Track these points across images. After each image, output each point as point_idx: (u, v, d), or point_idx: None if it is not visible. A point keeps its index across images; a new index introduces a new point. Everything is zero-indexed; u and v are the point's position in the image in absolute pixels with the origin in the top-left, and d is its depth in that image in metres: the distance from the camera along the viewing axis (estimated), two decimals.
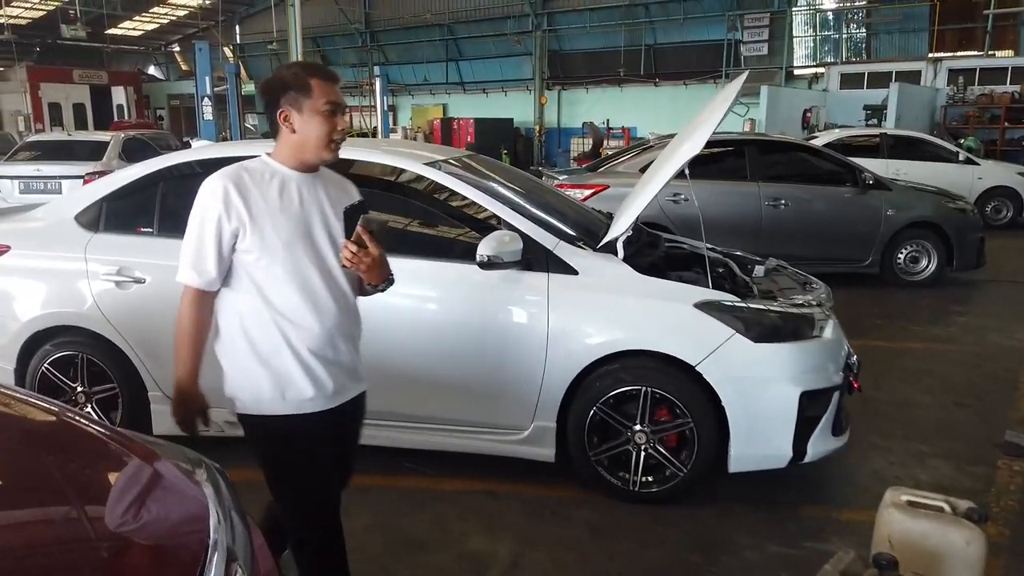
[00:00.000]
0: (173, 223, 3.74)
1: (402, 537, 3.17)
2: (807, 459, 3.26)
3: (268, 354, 2.06)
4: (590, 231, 3.76)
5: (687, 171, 3.39)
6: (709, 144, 3.26)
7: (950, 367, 5.37)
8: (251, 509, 1.94)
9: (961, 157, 11.91)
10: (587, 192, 7.46)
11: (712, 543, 3.11)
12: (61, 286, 3.75)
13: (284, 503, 2.18)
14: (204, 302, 2.08)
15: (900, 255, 7.80)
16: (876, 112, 16.34)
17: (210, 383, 2.17)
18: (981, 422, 4.36)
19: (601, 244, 3.45)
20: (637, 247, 3.64)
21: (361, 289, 2.27)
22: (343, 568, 2.27)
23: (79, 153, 10.74)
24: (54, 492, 1.48)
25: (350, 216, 2.13)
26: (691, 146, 3.29)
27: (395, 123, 27.95)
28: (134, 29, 35.10)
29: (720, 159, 7.79)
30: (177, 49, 38.04)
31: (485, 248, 3.18)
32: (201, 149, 4.09)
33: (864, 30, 22.85)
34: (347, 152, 3.75)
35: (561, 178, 8.11)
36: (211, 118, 14.94)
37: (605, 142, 21.21)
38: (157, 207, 3.75)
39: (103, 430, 1.82)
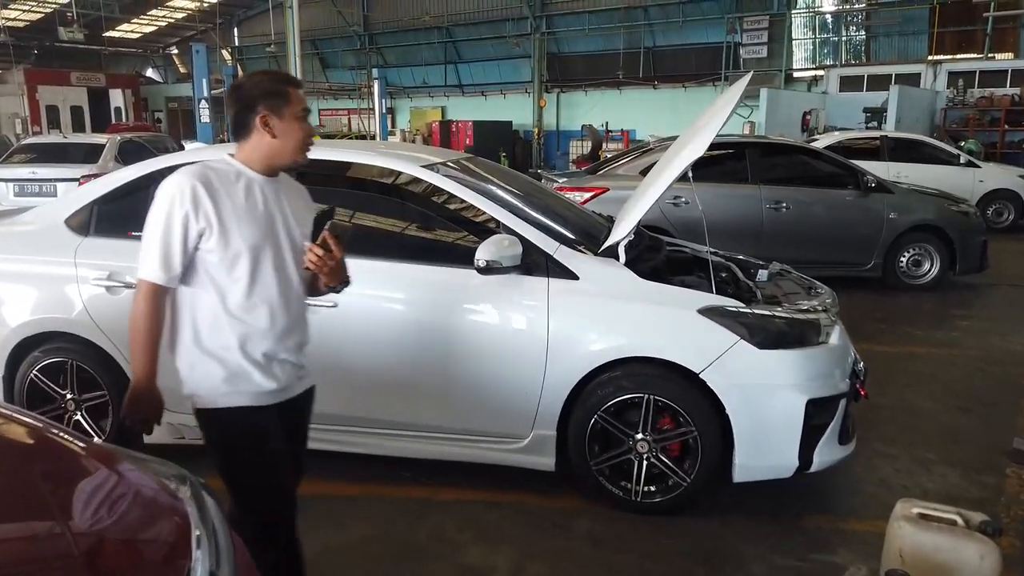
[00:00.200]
0: None
1: (400, 548, 3.09)
2: (813, 468, 3.19)
3: (223, 350, 2.10)
4: (591, 235, 3.68)
5: (690, 174, 3.32)
6: (710, 146, 3.19)
7: (954, 372, 5.30)
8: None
9: (962, 160, 11.86)
10: (587, 195, 7.39)
11: (716, 555, 3.04)
12: (50, 291, 3.67)
13: (239, 499, 2.18)
14: (162, 299, 2.10)
15: (902, 259, 7.73)
16: (876, 115, 16.31)
17: (172, 384, 2.17)
18: (987, 428, 4.29)
19: (602, 248, 3.38)
20: (639, 251, 3.57)
21: (315, 289, 2.33)
22: (299, 565, 2.34)
23: (75, 156, 10.66)
24: (19, 509, 1.40)
25: (319, 222, 2.19)
26: (694, 149, 3.22)
27: (393, 126, 27.88)
28: (132, 32, 35.03)
29: (721, 162, 7.72)
30: (175, 52, 37.97)
31: (484, 252, 3.11)
32: (194, 151, 4.02)
33: (863, 32, 22.81)
34: (343, 154, 3.70)
35: (560, 181, 8.04)
36: (208, 120, 14.87)
37: (604, 145, 21.15)
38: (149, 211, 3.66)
39: (83, 444, 1.74)
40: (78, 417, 3.74)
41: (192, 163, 2.16)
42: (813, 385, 3.15)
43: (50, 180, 10.06)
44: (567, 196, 6.78)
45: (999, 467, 3.79)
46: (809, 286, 3.91)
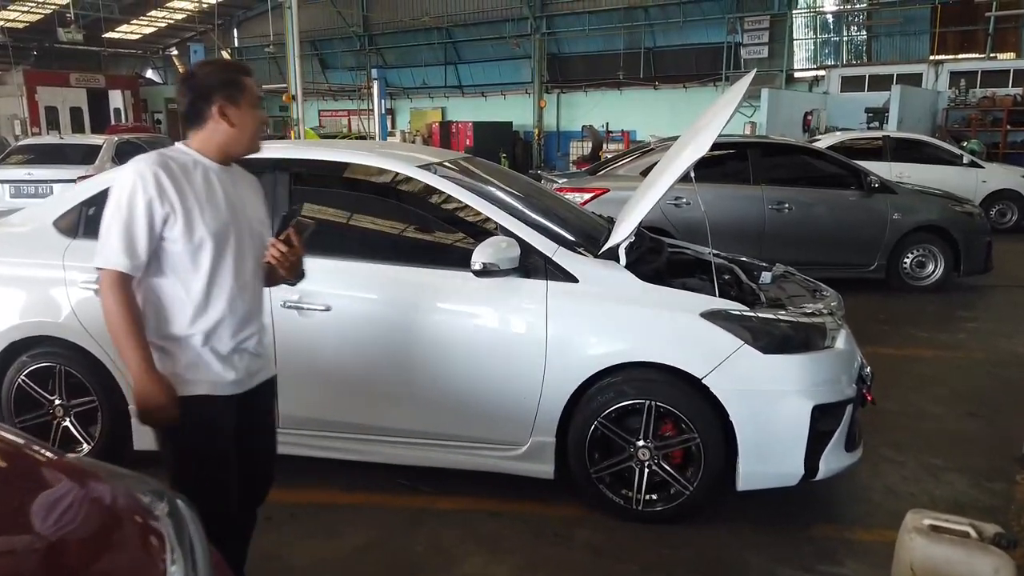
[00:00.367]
0: None
1: (396, 559, 3.01)
2: (820, 476, 3.11)
3: (183, 339, 2.10)
4: (591, 237, 3.60)
5: (692, 174, 3.24)
6: (711, 147, 3.11)
7: (961, 375, 5.22)
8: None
9: (965, 160, 11.77)
10: (587, 196, 7.31)
11: (720, 566, 2.96)
12: (38, 294, 3.59)
13: (180, 490, 2.07)
14: (128, 287, 2.06)
15: (906, 260, 7.64)
16: (877, 115, 16.23)
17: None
18: (995, 433, 4.20)
19: (602, 250, 3.30)
20: (640, 253, 3.48)
21: (270, 280, 2.34)
22: (240, 566, 2.36)
23: (71, 157, 10.59)
24: None
25: (287, 219, 2.23)
26: (696, 149, 3.14)
27: (393, 127, 27.81)
28: (132, 33, 34.98)
29: (722, 162, 7.64)
30: (175, 53, 37.89)
31: (481, 255, 3.03)
32: None
33: (865, 32, 22.73)
34: (337, 154, 3.62)
35: (560, 181, 7.97)
36: None
37: (604, 145, 21.08)
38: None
39: (54, 458, 1.65)
40: (67, 424, 3.66)
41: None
42: (819, 391, 3.06)
43: (46, 181, 9.99)
44: (567, 197, 6.71)
45: (1009, 474, 3.71)
46: (814, 288, 3.83)
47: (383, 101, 19.11)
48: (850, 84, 19.75)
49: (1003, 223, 11.86)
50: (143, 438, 3.59)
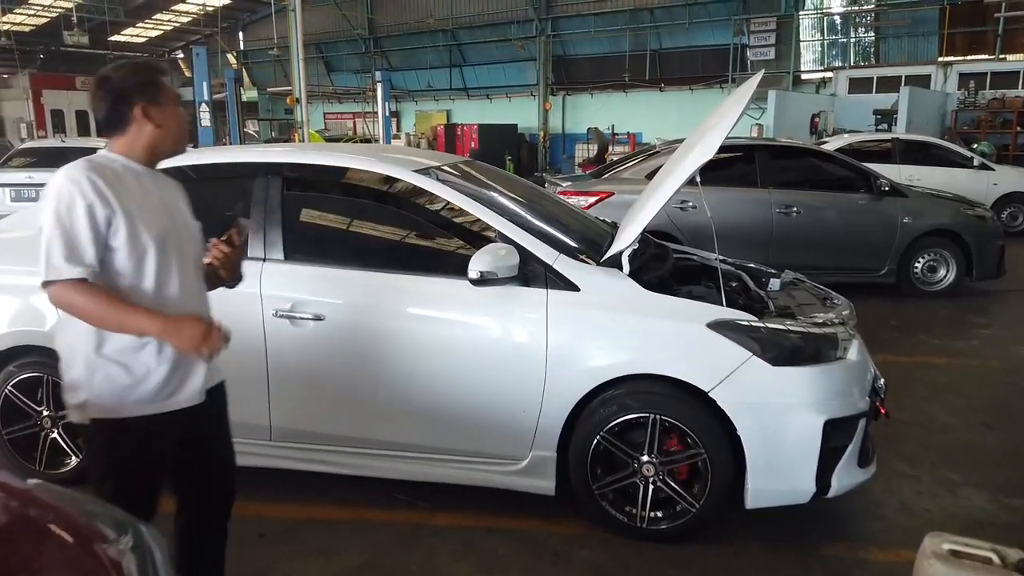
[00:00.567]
0: None
1: None
2: (832, 494, 2.98)
3: (129, 353, 2.02)
4: (593, 243, 3.49)
5: (698, 178, 3.12)
6: (718, 149, 2.99)
7: (976, 384, 5.07)
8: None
9: (975, 162, 11.62)
10: (591, 199, 7.20)
11: None
12: (26, 303, 3.49)
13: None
14: (87, 285, 1.94)
15: (917, 264, 7.50)
16: (886, 116, 16.07)
17: None
18: (1014, 446, 4.07)
19: (605, 258, 3.18)
20: (644, 260, 3.37)
21: (209, 284, 2.30)
22: None
23: (72, 160, 10.50)
24: None
25: (230, 219, 2.21)
26: (702, 152, 3.03)
27: (398, 129, 27.75)
28: (138, 36, 35.03)
29: (729, 165, 7.51)
30: (181, 56, 37.93)
31: (478, 263, 2.91)
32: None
33: (873, 34, 22.56)
34: (332, 158, 3.51)
35: (564, 185, 7.85)
36: (208, 124, 14.75)
37: (610, 147, 20.97)
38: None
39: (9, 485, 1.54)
40: (55, 435, 3.56)
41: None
42: (831, 404, 2.94)
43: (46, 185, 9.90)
44: (570, 201, 6.60)
45: None
46: (824, 296, 3.70)
47: (387, 103, 19.01)
48: (858, 86, 19.59)
49: (1014, 226, 11.70)
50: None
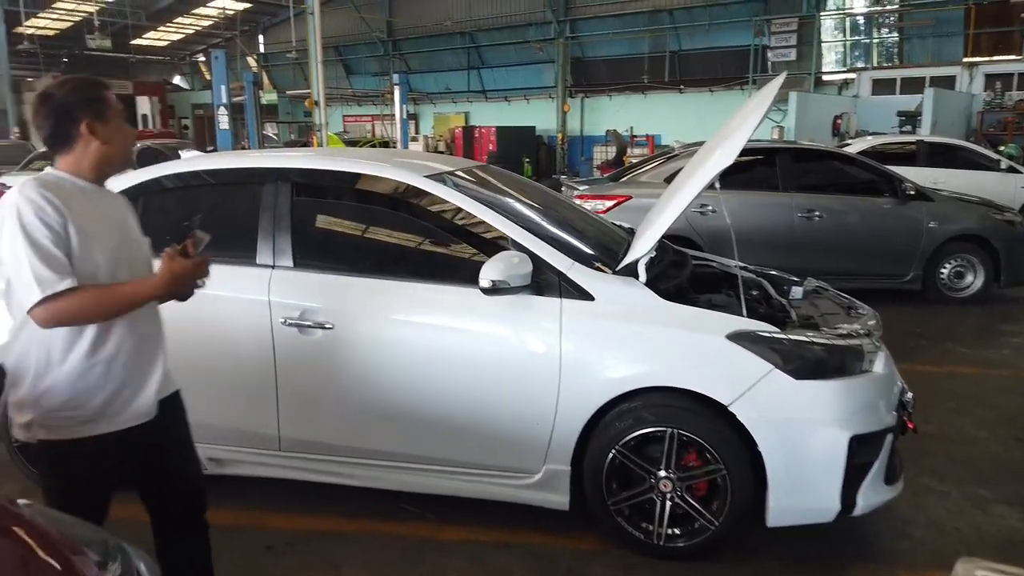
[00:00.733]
0: (153, 242, 3.43)
1: None
2: (857, 512, 2.86)
3: (81, 373, 2.00)
4: (609, 250, 3.39)
5: (717, 183, 3.02)
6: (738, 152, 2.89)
7: (1006, 395, 4.91)
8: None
9: (1003, 165, 11.36)
10: (608, 203, 7.11)
11: None
12: None
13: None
14: (83, 290, 1.93)
15: (944, 270, 7.32)
16: (910, 118, 15.78)
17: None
18: None
19: (621, 266, 3.08)
20: (661, 268, 3.26)
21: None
22: None
23: None
24: None
25: (186, 230, 2.16)
26: (724, 156, 2.92)
27: (417, 132, 27.75)
28: (159, 40, 35.35)
29: (749, 168, 7.38)
30: (202, 59, 38.25)
31: (490, 271, 2.83)
32: (186, 161, 3.79)
33: (896, 34, 22.22)
34: (342, 163, 3.44)
35: (581, 188, 7.75)
36: (227, 127, 14.79)
37: (628, 150, 20.82)
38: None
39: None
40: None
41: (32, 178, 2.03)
42: (856, 419, 2.82)
43: None
44: (587, 205, 6.51)
45: None
46: (848, 305, 3.58)
47: (404, 106, 19.00)
48: (881, 87, 19.27)
49: None
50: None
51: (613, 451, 2.93)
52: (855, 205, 7.31)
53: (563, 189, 8.15)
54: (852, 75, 21.30)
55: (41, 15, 28.45)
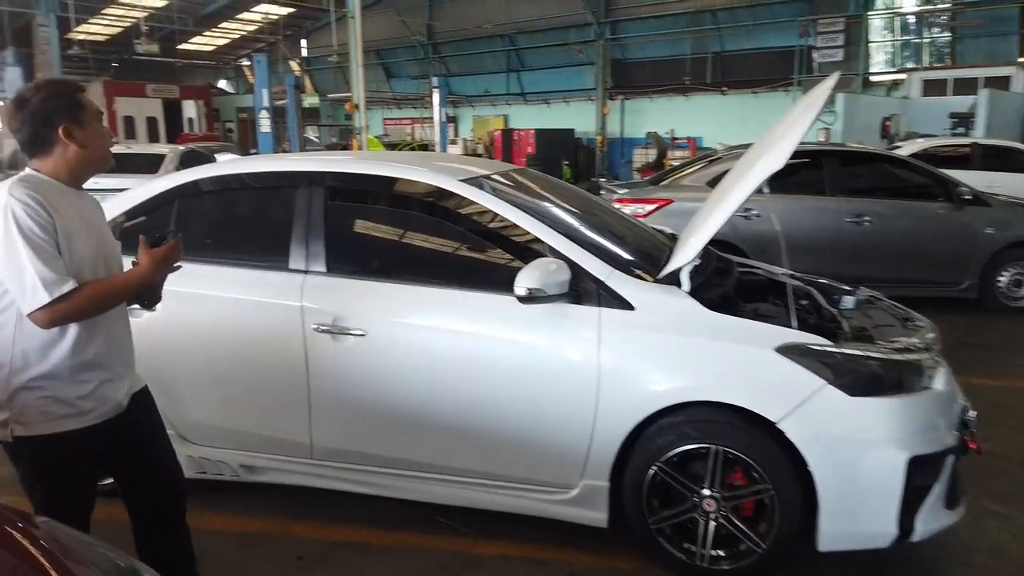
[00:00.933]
0: (187, 245, 3.40)
1: None
2: (916, 537, 2.69)
3: (58, 370, 2.04)
4: (650, 257, 3.27)
5: (766, 187, 2.88)
6: None
7: None
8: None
9: None
10: (649, 207, 6.95)
11: None
12: None
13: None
14: (83, 288, 1.99)
15: (1002, 278, 7.00)
16: (963, 120, 15.27)
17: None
18: None
19: (663, 274, 2.95)
20: (706, 276, 3.13)
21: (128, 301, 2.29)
22: None
23: (138, 166, 10.73)
24: None
25: (159, 239, 2.19)
26: (772, 159, 2.78)
27: (456, 135, 27.80)
28: (205, 45, 36.02)
29: (795, 171, 7.15)
30: (247, 63, 38.85)
31: (526, 279, 2.73)
32: (221, 164, 3.76)
33: (948, 34, 21.57)
34: (376, 167, 3.35)
35: (621, 192, 7.61)
36: (268, 130, 14.95)
37: (669, 153, 20.56)
38: (172, 227, 3.42)
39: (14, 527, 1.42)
40: None
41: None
42: (915, 440, 2.65)
43: (111, 190, 10.09)
44: (627, 209, 6.37)
45: None
46: (904, 317, 3.40)
47: (443, 109, 19.01)
48: (932, 88, 18.70)
49: None
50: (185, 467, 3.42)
51: (654, 467, 2.80)
52: (907, 210, 7.04)
53: (602, 192, 8.01)
54: (902, 76, 20.76)
55: (91, 21, 29.15)
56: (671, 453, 2.78)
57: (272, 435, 3.27)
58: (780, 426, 2.65)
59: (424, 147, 22.56)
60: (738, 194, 2.87)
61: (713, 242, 3.29)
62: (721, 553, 2.81)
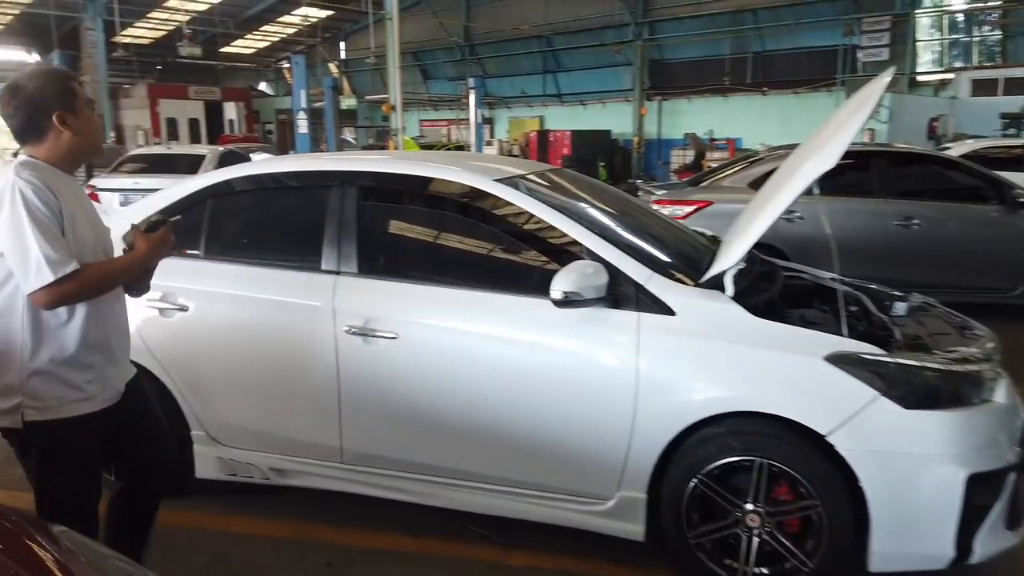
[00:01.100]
0: (221, 245, 3.39)
1: None
2: (974, 560, 2.53)
3: (69, 355, 2.09)
4: (691, 260, 3.15)
5: (816, 188, 2.75)
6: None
7: None
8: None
9: None
10: (688, 209, 6.80)
11: None
12: None
13: (55, 510, 2.12)
14: (85, 268, 2.03)
15: None
16: (1015, 121, 14.79)
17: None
18: None
19: (705, 278, 2.83)
20: (750, 280, 3.00)
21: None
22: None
23: (178, 166, 10.87)
24: None
25: (153, 226, 2.24)
26: (823, 159, 2.65)
27: (491, 136, 27.78)
28: (246, 47, 36.55)
29: (841, 173, 6.86)
30: (287, 66, 39.32)
31: (562, 282, 2.63)
32: (255, 164, 3.74)
33: (999, 32, 20.93)
34: (409, 167, 3.29)
35: (659, 193, 7.46)
36: (306, 131, 15.08)
37: (707, 154, 20.27)
38: (205, 227, 3.40)
39: (41, 545, 1.37)
40: None
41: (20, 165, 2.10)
42: (974, 456, 2.50)
43: (152, 190, 10.25)
44: (665, 211, 6.23)
45: None
46: (961, 325, 3.22)
47: (479, 110, 19.01)
48: (982, 88, 18.15)
49: None
50: (205, 466, 3.40)
51: (695, 480, 2.68)
52: (958, 213, 6.77)
53: (639, 194, 7.88)
54: (950, 75, 20.19)
55: (136, 25, 29.76)
56: (712, 465, 2.66)
57: (302, 438, 3.22)
58: (830, 439, 2.51)
59: (459, 148, 22.55)
60: (786, 195, 2.75)
61: (755, 245, 3.17)
62: (765, 571, 2.68)
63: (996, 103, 16.55)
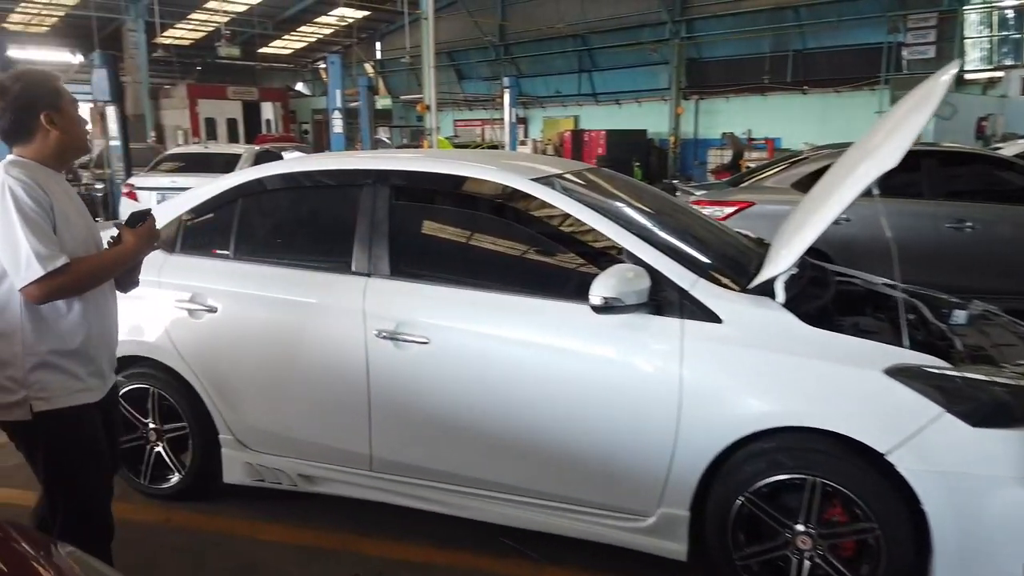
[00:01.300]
0: (250, 246, 3.32)
1: None
2: None
3: (68, 348, 2.14)
4: (738, 264, 2.99)
5: (876, 189, 2.58)
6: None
7: None
8: None
9: None
10: (728, 210, 6.60)
11: None
12: (132, 311, 3.39)
13: (68, 506, 2.20)
14: (73, 263, 2.07)
15: None
16: None
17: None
18: None
19: (755, 283, 2.67)
20: (800, 286, 2.83)
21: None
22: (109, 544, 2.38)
23: (214, 166, 10.92)
24: None
25: (138, 218, 2.27)
26: (883, 158, 2.54)
27: (526, 136, 27.64)
28: (284, 48, 36.92)
29: (890, 174, 6.62)
30: (323, 66, 39.65)
31: (602, 287, 2.50)
32: (286, 163, 3.66)
33: None
34: (442, 166, 3.17)
35: (698, 194, 7.27)
36: (341, 131, 15.12)
37: (745, 154, 19.90)
38: (234, 226, 3.33)
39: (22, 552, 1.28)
40: (159, 449, 3.45)
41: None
42: None
43: (188, 189, 10.33)
44: (705, 211, 6.05)
45: None
46: None
47: (514, 109, 18.90)
48: None
49: None
50: (233, 470, 3.34)
51: (741, 498, 2.54)
52: (1015, 215, 6.47)
53: (678, 194, 7.69)
54: (999, 73, 19.55)
55: (176, 26, 30.21)
56: (761, 483, 2.51)
57: (331, 444, 3.13)
58: (889, 458, 2.34)
59: (493, 147, 22.45)
60: (843, 195, 2.59)
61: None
62: None
63: None
